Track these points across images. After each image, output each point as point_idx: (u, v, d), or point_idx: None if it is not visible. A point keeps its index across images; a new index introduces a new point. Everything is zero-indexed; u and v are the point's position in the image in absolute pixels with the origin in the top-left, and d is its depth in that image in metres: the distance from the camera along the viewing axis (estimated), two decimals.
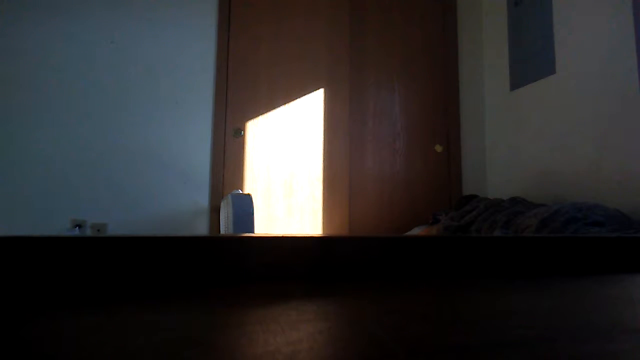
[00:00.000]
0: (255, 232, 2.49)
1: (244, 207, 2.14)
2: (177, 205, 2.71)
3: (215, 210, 2.77)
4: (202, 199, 2.76)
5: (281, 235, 0.58)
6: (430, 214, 3.04)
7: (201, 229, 2.74)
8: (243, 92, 2.92)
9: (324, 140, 3.04)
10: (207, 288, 0.52)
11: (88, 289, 0.50)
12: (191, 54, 2.83)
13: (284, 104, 2.98)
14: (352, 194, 3.05)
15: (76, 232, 2.52)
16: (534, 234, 1.89)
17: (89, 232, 2.56)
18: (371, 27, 3.22)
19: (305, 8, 3.09)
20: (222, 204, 2.59)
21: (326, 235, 0.60)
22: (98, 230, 2.56)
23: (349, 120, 3.10)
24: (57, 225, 2.50)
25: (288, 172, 2.94)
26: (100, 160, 2.61)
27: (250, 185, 2.87)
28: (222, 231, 2.50)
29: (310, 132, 3.02)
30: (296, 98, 3.01)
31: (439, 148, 3.26)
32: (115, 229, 2.58)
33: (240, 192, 2.38)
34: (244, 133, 2.89)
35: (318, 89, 3.06)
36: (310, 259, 0.59)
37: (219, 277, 0.55)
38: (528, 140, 2.92)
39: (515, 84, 3.06)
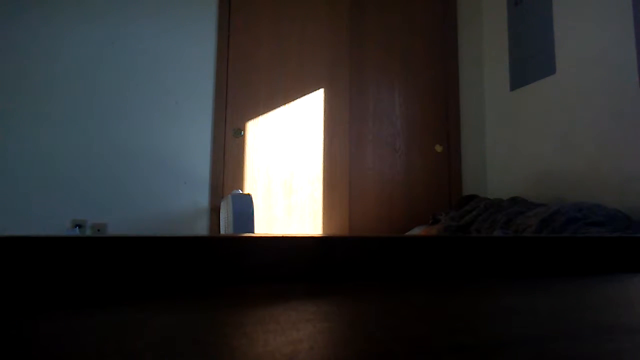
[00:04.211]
0: (255, 232, 2.49)
1: (244, 207, 2.14)
2: (177, 205, 2.71)
3: (215, 210, 2.77)
4: (202, 199, 2.76)
5: (281, 235, 0.58)
6: (430, 214, 3.04)
7: (201, 229, 2.74)
8: (243, 92, 2.92)
9: (324, 140, 3.04)
10: (207, 288, 0.52)
11: (88, 289, 0.50)
12: (191, 54, 2.83)
13: (284, 104, 2.98)
14: (352, 194, 3.05)
15: (76, 232, 2.52)
16: (534, 234, 1.89)
17: (89, 232, 2.56)
18: (371, 27, 3.22)
19: (305, 8, 3.09)
20: (222, 204, 2.58)
21: (326, 235, 0.60)
22: (98, 230, 2.56)
23: (349, 120, 3.10)
24: (57, 225, 2.50)
25: (288, 172, 2.94)
26: (100, 160, 2.61)
27: (250, 185, 2.87)
28: (222, 231, 2.50)
29: (310, 132, 3.01)
30: (296, 98, 3.01)
31: (439, 148, 3.26)
32: (115, 229, 2.58)
33: (240, 192, 2.38)
34: (244, 133, 2.89)
35: (318, 89, 3.06)
36: (310, 259, 0.59)
37: (219, 277, 0.55)
38: (528, 140, 2.92)
39: (515, 84, 3.06)
